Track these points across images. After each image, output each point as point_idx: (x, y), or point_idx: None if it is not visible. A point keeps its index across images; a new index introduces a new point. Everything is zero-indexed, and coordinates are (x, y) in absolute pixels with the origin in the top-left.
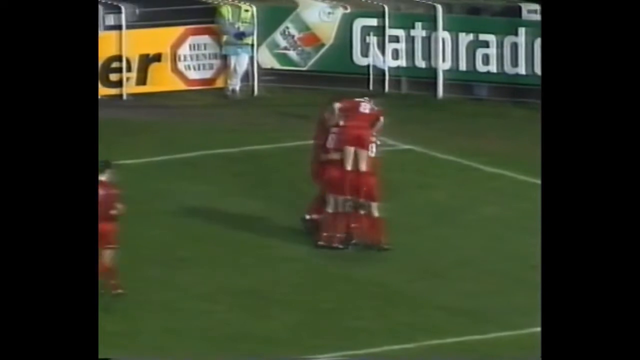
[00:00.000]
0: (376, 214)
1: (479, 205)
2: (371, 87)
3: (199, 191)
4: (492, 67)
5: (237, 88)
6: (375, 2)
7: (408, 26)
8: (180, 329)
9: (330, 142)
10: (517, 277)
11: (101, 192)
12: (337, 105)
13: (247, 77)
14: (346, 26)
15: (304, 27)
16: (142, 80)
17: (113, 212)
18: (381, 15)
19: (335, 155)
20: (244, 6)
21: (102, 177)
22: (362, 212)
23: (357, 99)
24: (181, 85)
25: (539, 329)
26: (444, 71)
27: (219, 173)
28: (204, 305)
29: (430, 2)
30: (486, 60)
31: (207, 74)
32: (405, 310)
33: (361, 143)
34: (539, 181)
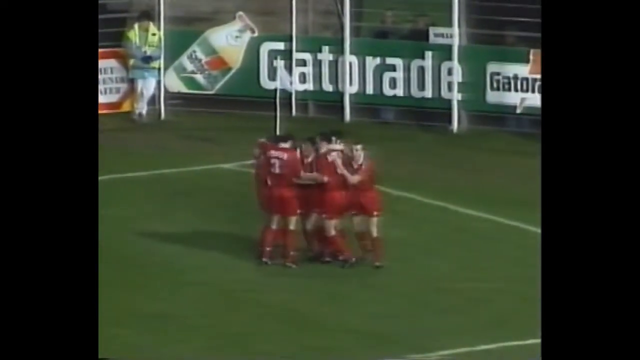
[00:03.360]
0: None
1: (386, 228)
2: (278, 111)
3: (107, 215)
4: (399, 91)
5: (144, 112)
6: (282, 25)
7: (315, 50)
8: None
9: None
10: (424, 300)
11: (285, 156)
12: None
13: (154, 100)
14: (253, 50)
15: (211, 50)
16: None
17: (295, 179)
18: (288, 39)
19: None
20: (152, 29)
21: (285, 144)
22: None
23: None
24: None
25: (447, 351)
26: (351, 95)
27: (128, 197)
28: (113, 330)
29: (337, 25)
30: (393, 83)
31: (114, 98)
32: (314, 334)
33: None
34: (445, 204)
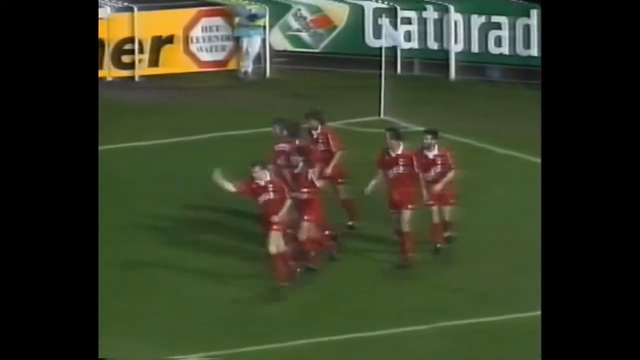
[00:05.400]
0: None
1: (490, 187)
2: (383, 69)
3: (211, 174)
4: (505, 49)
5: (250, 70)
6: None
7: (420, 8)
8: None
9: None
10: (525, 260)
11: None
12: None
13: (259, 59)
14: (358, 8)
15: (316, 9)
16: (154, 62)
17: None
18: None
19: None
20: None
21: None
22: None
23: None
24: (193, 67)
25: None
26: (457, 53)
27: (232, 155)
28: (212, 286)
29: None
30: (498, 42)
31: (220, 56)
32: (419, 292)
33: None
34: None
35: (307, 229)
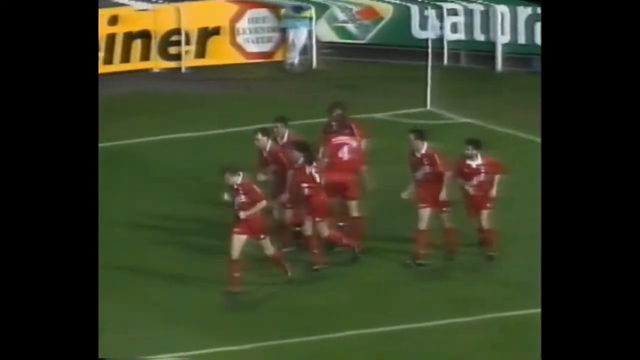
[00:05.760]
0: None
1: (537, 179)
2: (430, 61)
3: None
4: None
5: (296, 61)
6: None
7: (466, 0)
8: None
9: None
10: None
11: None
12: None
13: (305, 50)
14: (404, 1)
15: (362, 1)
16: (201, 53)
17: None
18: None
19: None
20: None
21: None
22: None
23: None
24: (240, 59)
25: None
26: (503, 45)
27: None
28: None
29: None
30: None
31: (266, 47)
32: (463, 284)
33: None
34: None
35: (322, 229)
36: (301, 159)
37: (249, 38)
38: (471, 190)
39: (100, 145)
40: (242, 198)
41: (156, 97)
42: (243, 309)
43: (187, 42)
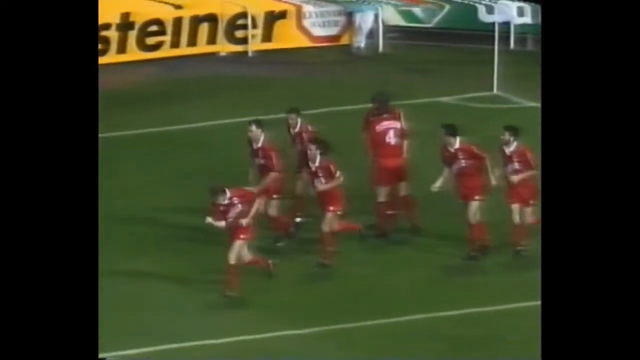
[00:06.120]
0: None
1: None
2: (496, 44)
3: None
4: None
5: (363, 45)
6: None
7: None
8: None
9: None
10: None
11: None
12: None
13: (371, 34)
14: None
15: None
16: (267, 37)
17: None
18: None
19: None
20: None
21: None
22: None
23: None
24: (306, 42)
25: None
26: None
27: (345, 129)
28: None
29: None
30: None
31: (332, 31)
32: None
33: None
34: None
35: (330, 220)
36: (319, 156)
37: (315, 22)
38: (514, 179)
39: (167, 128)
40: (239, 207)
41: (223, 80)
42: (242, 307)
43: (254, 26)
